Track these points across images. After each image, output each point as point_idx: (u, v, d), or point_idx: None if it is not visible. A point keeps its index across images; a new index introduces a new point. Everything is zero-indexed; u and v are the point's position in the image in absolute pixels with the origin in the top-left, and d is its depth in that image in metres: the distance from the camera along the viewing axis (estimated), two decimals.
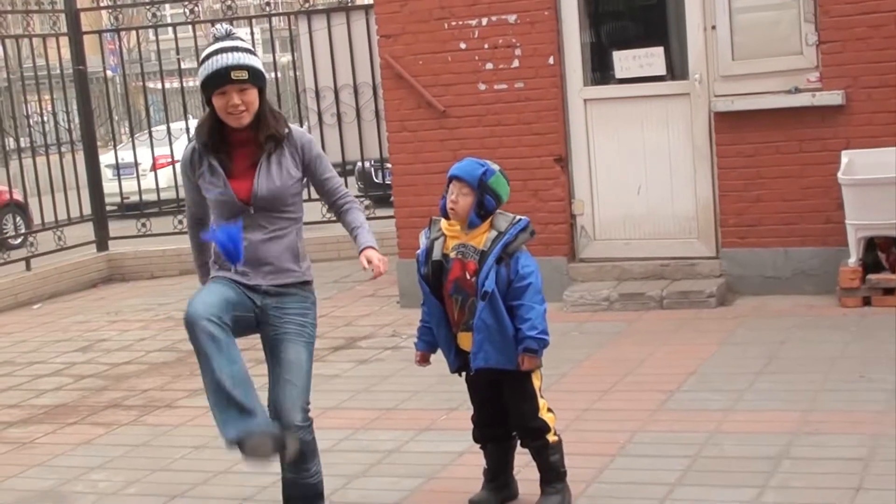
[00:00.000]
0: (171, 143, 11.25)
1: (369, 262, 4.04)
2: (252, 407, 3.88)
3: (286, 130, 4.13)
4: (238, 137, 4.10)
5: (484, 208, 4.17)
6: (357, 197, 12.41)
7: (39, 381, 7.30)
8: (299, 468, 4.16)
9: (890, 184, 6.87)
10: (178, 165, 4.51)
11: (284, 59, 21.06)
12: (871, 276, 7.01)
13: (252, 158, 4.09)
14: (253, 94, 4.03)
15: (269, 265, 4.10)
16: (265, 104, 4.09)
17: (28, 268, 10.50)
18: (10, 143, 11.40)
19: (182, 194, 5.46)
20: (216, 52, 4.01)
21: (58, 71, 11.02)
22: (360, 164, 14.12)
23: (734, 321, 7.03)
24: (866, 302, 7.01)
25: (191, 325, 3.87)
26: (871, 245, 7.10)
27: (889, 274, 7.01)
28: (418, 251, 4.34)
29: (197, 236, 4.29)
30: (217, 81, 3.98)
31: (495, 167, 4.24)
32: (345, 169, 12.44)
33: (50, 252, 10.74)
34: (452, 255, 4.23)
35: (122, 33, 12.43)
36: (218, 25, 4.17)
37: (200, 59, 4.08)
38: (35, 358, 7.97)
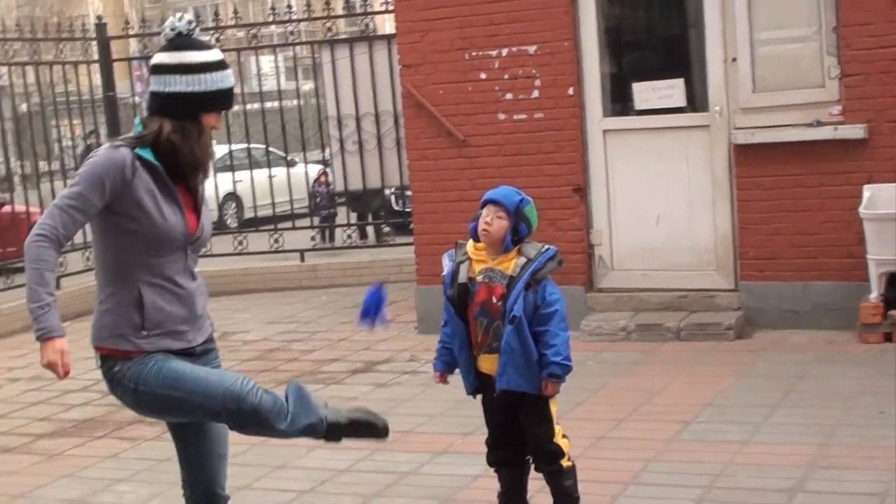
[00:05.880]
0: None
1: None
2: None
3: None
4: None
5: (518, 234, 4.24)
6: (377, 223, 12.53)
7: (68, 395, 7.37)
8: None
9: None
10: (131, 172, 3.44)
11: (307, 86, 21.22)
12: (893, 312, 6.97)
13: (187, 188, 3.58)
14: None
15: (202, 318, 3.62)
16: None
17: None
18: (43, 166, 11.51)
19: None
20: (220, 66, 3.46)
21: (88, 97, 11.14)
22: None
23: (752, 354, 7.01)
24: (887, 338, 6.96)
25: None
26: (893, 280, 7.06)
27: None
28: (444, 273, 4.37)
29: (53, 257, 3.39)
30: (225, 102, 3.50)
31: (530, 198, 4.30)
32: (366, 196, 12.52)
33: (80, 272, 10.85)
34: (479, 278, 4.26)
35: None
36: (179, 18, 3.52)
37: (188, 60, 3.43)
38: None
